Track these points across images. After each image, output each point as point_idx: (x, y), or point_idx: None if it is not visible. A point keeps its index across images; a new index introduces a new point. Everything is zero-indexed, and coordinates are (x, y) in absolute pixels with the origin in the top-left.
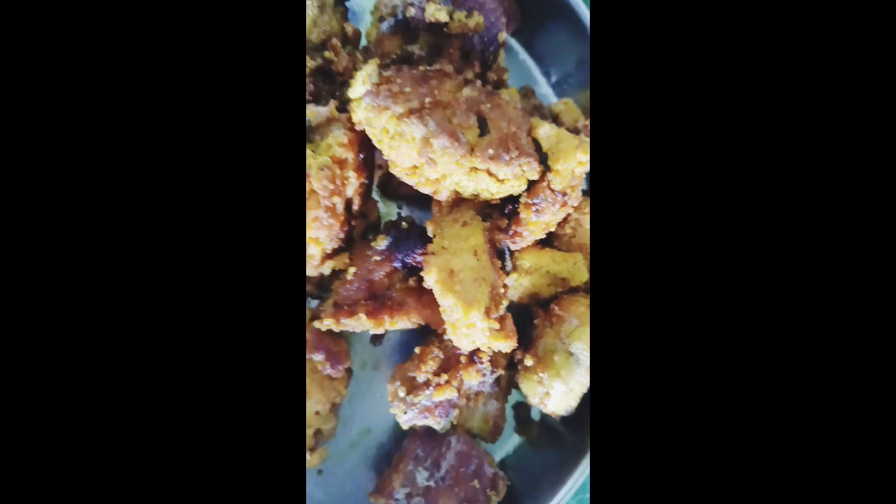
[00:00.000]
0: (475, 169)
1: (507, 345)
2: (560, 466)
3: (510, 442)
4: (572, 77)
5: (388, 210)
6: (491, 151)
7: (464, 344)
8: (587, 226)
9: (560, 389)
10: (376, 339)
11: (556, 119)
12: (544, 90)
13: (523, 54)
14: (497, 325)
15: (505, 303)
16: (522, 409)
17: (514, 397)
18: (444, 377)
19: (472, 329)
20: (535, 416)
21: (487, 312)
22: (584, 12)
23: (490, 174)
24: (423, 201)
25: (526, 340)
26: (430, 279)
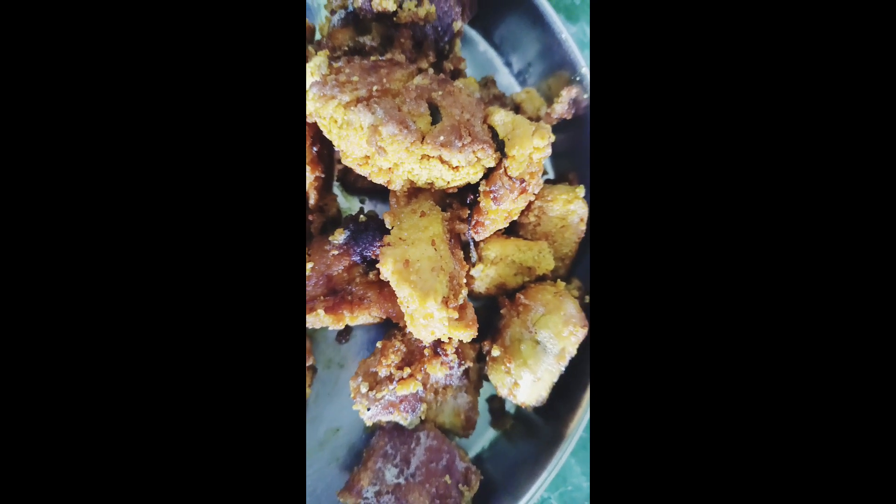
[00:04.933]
0: (427, 157)
1: (467, 334)
2: (536, 457)
3: (486, 436)
4: (534, 66)
5: (350, 205)
6: (442, 138)
7: (423, 334)
8: (551, 213)
9: (528, 379)
10: (342, 337)
11: (518, 109)
12: (506, 80)
13: (484, 44)
14: (456, 315)
15: (464, 292)
16: (496, 401)
17: (487, 390)
18: (408, 371)
19: (430, 319)
20: (510, 408)
21: (446, 302)
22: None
23: (443, 161)
24: (385, 195)
25: (493, 331)
26: (387, 270)
